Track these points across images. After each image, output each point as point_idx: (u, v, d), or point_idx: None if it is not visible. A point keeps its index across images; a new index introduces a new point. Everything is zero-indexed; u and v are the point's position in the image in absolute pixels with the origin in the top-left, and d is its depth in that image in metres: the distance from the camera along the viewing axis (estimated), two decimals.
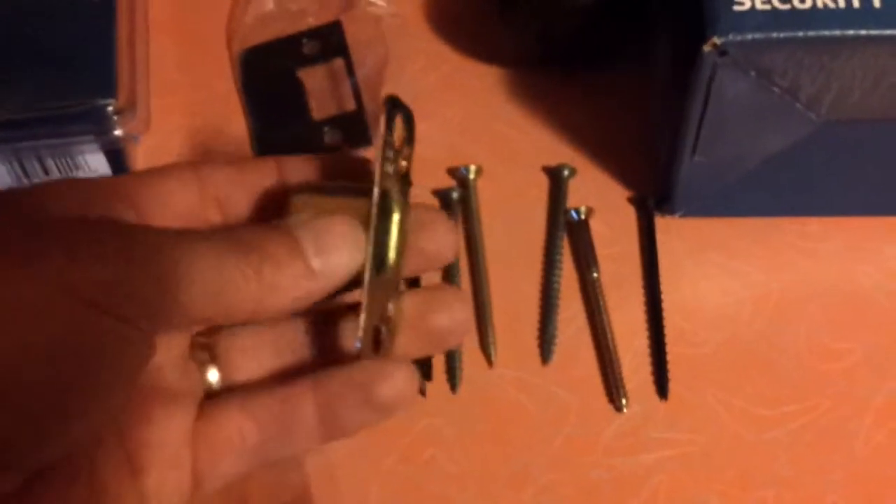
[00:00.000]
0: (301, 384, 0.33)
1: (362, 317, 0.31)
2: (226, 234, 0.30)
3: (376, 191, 0.31)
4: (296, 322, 0.35)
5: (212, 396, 0.33)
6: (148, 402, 0.31)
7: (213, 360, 0.34)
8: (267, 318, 0.32)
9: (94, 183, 0.31)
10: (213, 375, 0.33)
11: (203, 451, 0.32)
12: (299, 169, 0.34)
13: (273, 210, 0.33)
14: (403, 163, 0.33)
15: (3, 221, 0.28)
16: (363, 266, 0.31)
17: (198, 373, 0.33)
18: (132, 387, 0.28)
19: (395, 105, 0.33)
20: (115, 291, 0.26)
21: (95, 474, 0.29)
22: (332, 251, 0.30)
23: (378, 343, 0.32)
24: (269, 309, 0.30)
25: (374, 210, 0.31)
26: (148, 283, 0.27)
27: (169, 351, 0.32)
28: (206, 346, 0.33)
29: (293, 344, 0.34)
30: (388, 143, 0.32)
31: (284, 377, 0.34)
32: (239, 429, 0.32)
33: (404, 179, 0.33)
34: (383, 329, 0.32)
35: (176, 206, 0.32)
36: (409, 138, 0.34)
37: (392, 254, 0.32)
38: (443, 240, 0.34)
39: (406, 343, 0.34)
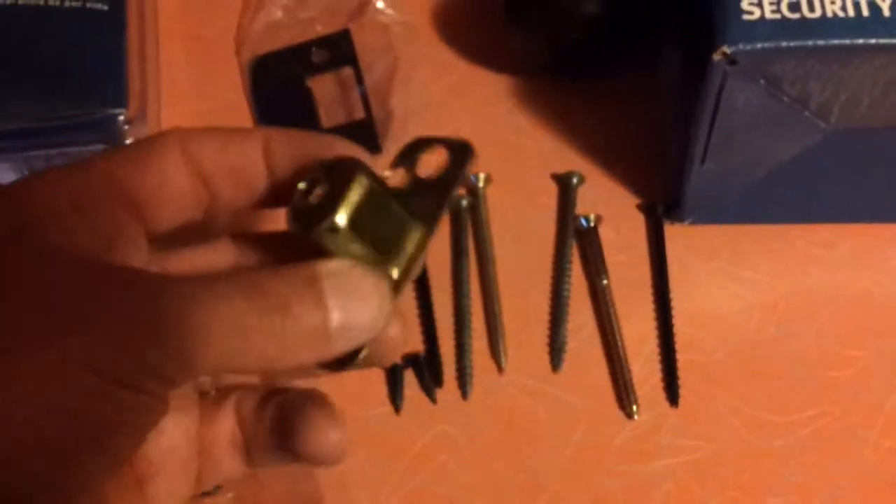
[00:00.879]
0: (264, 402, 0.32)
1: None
2: (244, 286, 0.27)
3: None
4: None
5: (202, 395, 0.33)
6: None
7: None
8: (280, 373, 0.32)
9: (89, 173, 0.29)
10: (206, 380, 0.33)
11: (205, 455, 0.32)
12: (286, 144, 0.31)
13: (260, 186, 0.31)
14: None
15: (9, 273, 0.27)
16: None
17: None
18: (142, 442, 0.28)
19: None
20: (124, 362, 0.26)
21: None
22: (356, 311, 0.28)
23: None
24: (282, 367, 0.28)
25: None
26: (160, 349, 0.26)
27: None
28: None
29: None
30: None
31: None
32: (233, 436, 0.32)
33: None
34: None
35: (171, 194, 0.30)
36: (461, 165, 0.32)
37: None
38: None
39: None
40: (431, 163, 0.31)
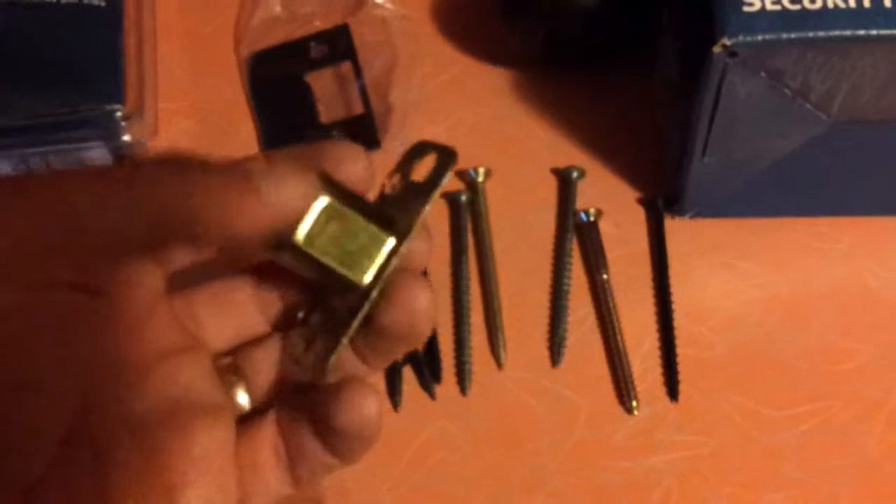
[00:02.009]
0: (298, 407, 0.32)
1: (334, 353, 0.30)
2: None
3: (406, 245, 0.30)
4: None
5: (244, 419, 0.32)
6: (186, 416, 0.30)
7: (239, 378, 0.32)
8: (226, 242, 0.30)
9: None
10: (242, 398, 0.32)
11: (245, 469, 0.31)
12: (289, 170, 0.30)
13: None
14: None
15: None
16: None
17: (229, 394, 0.32)
18: (97, 361, 0.28)
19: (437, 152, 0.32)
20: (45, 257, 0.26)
21: (107, 489, 0.28)
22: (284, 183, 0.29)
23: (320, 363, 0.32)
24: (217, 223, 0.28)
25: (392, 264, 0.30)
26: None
27: (195, 371, 0.31)
28: (230, 368, 0.32)
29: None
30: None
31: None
32: (275, 446, 0.31)
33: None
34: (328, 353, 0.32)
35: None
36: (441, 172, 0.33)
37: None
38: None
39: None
40: (423, 167, 0.32)
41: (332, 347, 0.30)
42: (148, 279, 0.30)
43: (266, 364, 0.32)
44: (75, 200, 0.27)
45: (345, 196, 0.30)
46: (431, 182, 0.31)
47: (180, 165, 0.28)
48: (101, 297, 0.28)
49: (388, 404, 0.47)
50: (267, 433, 0.31)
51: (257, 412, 0.32)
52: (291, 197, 0.29)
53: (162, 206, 0.27)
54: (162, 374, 0.30)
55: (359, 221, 0.30)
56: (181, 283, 0.31)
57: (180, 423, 0.29)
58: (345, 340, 0.30)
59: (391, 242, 0.30)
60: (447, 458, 0.46)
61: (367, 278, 0.30)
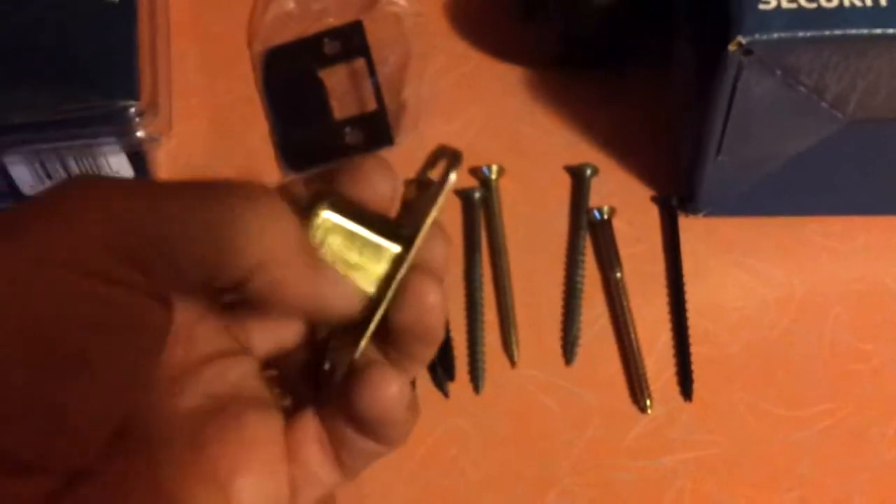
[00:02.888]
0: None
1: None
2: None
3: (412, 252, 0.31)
4: None
5: (288, 415, 0.32)
6: (234, 409, 0.30)
7: (285, 385, 0.33)
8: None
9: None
10: (286, 398, 0.33)
11: (294, 461, 0.31)
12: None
13: None
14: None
15: None
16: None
17: (274, 392, 0.32)
18: (151, 361, 0.28)
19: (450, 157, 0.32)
20: (105, 256, 0.26)
21: (160, 481, 0.28)
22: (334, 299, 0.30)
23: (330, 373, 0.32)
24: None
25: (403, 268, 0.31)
26: (141, 241, 0.26)
27: (241, 373, 0.31)
28: (275, 379, 0.33)
29: None
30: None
31: None
32: (321, 440, 0.31)
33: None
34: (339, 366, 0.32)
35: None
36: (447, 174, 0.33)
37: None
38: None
39: None
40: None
41: (344, 361, 0.31)
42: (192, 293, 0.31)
43: (306, 371, 0.33)
44: (170, 211, 0.27)
45: (349, 210, 0.31)
46: (437, 187, 0.31)
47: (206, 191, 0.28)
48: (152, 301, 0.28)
49: None
50: (310, 427, 0.31)
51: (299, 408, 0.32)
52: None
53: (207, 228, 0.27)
54: (210, 375, 0.31)
55: (361, 233, 0.31)
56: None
57: (230, 417, 0.30)
58: (357, 353, 0.31)
59: (395, 251, 0.31)
60: (460, 455, 0.46)
61: (370, 288, 0.31)
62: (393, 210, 0.32)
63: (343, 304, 0.30)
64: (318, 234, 0.30)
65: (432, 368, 0.47)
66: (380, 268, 0.31)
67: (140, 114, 0.49)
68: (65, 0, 0.50)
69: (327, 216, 0.30)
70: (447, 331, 0.48)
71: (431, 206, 0.31)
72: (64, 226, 0.26)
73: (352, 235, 0.31)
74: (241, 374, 0.31)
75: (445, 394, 0.47)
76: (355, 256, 0.31)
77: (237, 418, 0.30)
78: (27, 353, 0.25)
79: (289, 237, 0.28)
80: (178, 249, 0.27)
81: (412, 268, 0.31)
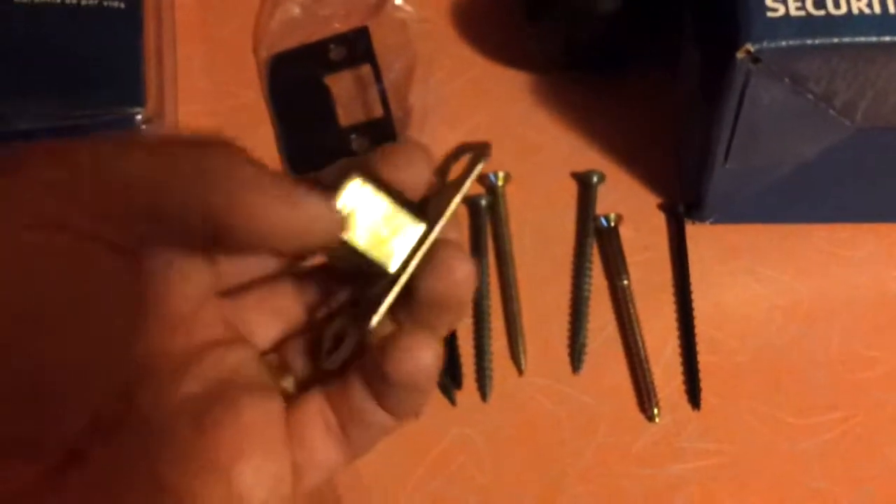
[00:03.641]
0: (354, 369, 0.31)
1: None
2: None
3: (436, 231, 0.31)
4: None
5: (290, 399, 0.32)
6: (235, 393, 0.30)
7: (285, 370, 0.32)
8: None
9: None
10: (288, 383, 0.32)
11: (296, 443, 0.31)
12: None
13: None
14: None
15: None
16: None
17: (275, 377, 0.32)
18: (141, 322, 0.27)
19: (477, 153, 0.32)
20: (82, 209, 0.25)
21: (158, 467, 0.28)
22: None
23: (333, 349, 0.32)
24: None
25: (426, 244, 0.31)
26: (109, 187, 0.26)
27: (241, 359, 0.31)
28: (276, 365, 0.32)
29: None
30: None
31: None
32: (325, 420, 0.31)
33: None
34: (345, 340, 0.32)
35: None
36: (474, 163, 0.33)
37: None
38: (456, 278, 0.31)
39: None
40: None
41: (356, 333, 0.31)
42: (198, 274, 0.30)
43: (309, 355, 0.32)
44: (125, 160, 0.27)
45: (378, 185, 0.31)
46: (464, 174, 0.32)
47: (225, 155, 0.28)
48: (151, 283, 0.28)
49: None
50: (314, 407, 0.31)
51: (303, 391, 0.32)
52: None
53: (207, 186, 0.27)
54: (209, 361, 0.30)
55: (390, 209, 0.31)
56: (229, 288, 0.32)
57: (230, 400, 0.29)
58: (374, 322, 0.30)
59: (420, 229, 0.31)
60: (467, 463, 0.46)
61: (395, 265, 0.31)
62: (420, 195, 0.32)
63: (324, 227, 0.29)
64: (347, 202, 0.30)
65: (439, 376, 0.47)
66: (403, 243, 0.31)
67: (147, 121, 0.48)
68: (71, 7, 0.50)
69: (356, 185, 0.30)
70: (454, 339, 0.48)
71: (458, 190, 0.31)
72: (15, 179, 0.26)
73: (378, 207, 0.31)
74: (240, 360, 0.31)
75: (452, 402, 0.47)
76: (380, 229, 0.31)
77: (235, 403, 0.30)
78: None
79: (259, 171, 0.28)
80: (140, 191, 0.26)
81: (442, 241, 0.31)
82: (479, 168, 0.32)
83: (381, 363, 0.30)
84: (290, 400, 0.32)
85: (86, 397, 0.27)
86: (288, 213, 0.28)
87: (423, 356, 0.30)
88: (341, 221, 0.30)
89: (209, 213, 0.27)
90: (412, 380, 0.30)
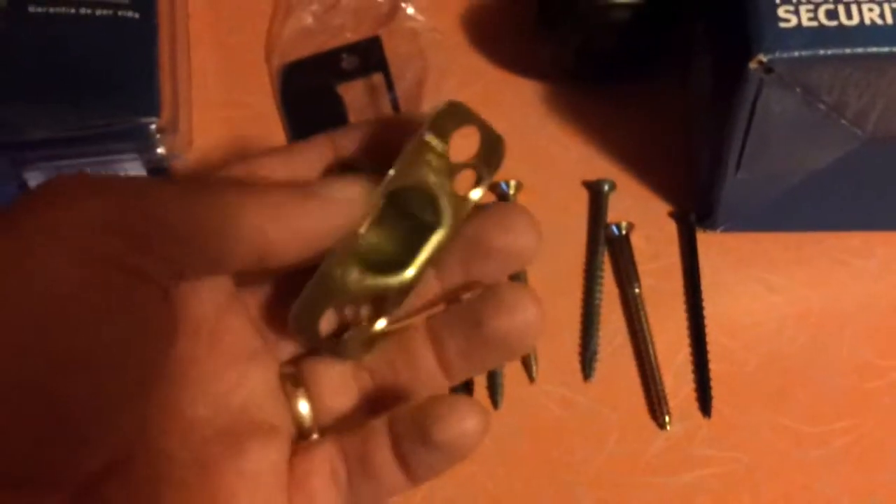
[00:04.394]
0: (378, 422, 0.31)
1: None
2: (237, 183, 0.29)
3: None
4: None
5: (304, 435, 0.32)
6: (242, 433, 0.30)
7: (301, 388, 0.32)
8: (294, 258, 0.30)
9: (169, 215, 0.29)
10: (303, 407, 0.32)
11: (297, 491, 0.30)
12: (351, 141, 0.33)
13: None
14: (480, 187, 0.33)
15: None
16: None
17: (289, 407, 0.32)
18: (166, 361, 0.27)
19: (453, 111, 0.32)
20: (130, 243, 0.25)
21: (161, 501, 0.28)
22: (339, 186, 0.30)
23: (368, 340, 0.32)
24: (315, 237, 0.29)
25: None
26: (160, 231, 0.26)
27: (258, 381, 0.31)
28: (292, 376, 0.32)
29: (372, 370, 0.33)
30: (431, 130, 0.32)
31: (367, 408, 0.32)
32: (333, 469, 0.31)
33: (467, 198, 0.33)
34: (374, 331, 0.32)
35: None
36: (489, 160, 0.33)
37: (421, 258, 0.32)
38: (521, 240, 0.32)
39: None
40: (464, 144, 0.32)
41: (362, 332, 0.31)
42: (215, 288, 0.30)
43: (328, 376, 0.32)
44: (159, 196, 0.27)
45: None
46: (480, 176, 0.32)
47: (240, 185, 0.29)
48: (170, 299, 0.28)
49: None
50: (325, 455, 0.31)
51: (317, 431, 0.32)
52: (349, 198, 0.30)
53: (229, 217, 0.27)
54: (228, 382, 0.30)
55: (402, 221, 0.31)
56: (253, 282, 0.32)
57: (237, 444, 0.29)
58: (380, 327, 0.31)
59: (438, 234, 0.31)
60: (478, 471, 0.46)
61: (411, 272, 0.31)
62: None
63: (344, 216, 0.30)
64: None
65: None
66: (421, 250, 0.31)
67: (161, 130, 0.49)
68: (85, 17, 0.50)
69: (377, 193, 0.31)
70: None
71: (477, 191, 0.32)
72: (59, 212, 0.25)
73: (392, 222, 0.31)
74: (256, 384, 0.31)
75: None
76: (399, 239, 0.31)
77: (241, 448, 0.29)
78: (21, 351, 0.24)
79: (270, 192, 0.29)
80: (179, 228, 0.27)
81: (510, 281, 0.32)
82: (498, 168, 0.31)
83: (426, 422, 0.29)
84: (303, 431, 0.31)
85: (108, 437, 0.27)
86: (311, 220, 0.29)
87: (472, 423, 0.29)
88: (359, 206, 0.30)
89: (245, 244, 0.28)
90: (455, 445, 0.29)
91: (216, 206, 0.27)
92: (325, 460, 0.31)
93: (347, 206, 0.30)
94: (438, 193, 0.31)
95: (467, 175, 0.33)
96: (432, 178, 0.31)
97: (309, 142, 0.32)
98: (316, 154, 0.32)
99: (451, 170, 0.32)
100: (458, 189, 0.33)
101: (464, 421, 0.29)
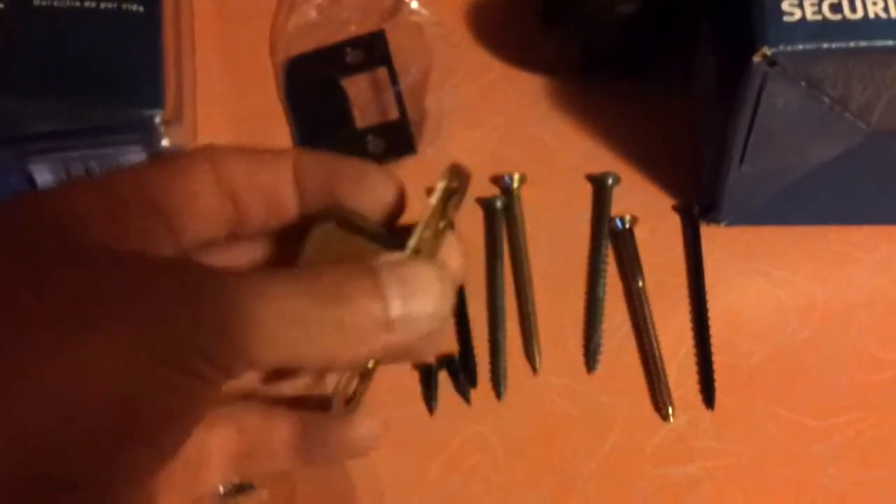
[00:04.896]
0: (283, 409, 0.32)
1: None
2: (304, 277, 0.28)
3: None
4: None
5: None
6: None
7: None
8: (339, 368, 0.30)
9: (121, 183, 0.29)
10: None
11: (188, 459, 0.31)
12: (317, 167, 0.31)
13: (289, 207, 0.31)
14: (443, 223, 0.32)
15: (55, 256, 0.26)
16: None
17: None
18: (189, 433, 0.27)
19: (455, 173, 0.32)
20: (178, 343, 0.25)
21: None
22: (416, 300, 0.28)
23: (350, 398, 0.31)
24: (343, 360, 0.28)
25: None
26: (215, 334, 0.26)
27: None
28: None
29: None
30: (439, 214, 0.30)
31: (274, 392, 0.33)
32: (223, 438, 0.31)
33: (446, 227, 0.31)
34: (356, 384, 0.31)
35: (199, 209, 0.30)
36: (461, 194, 0.32)
37: None
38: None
39: None
40: None
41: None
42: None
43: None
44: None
45: (352, 219, 0.30)
46: (438, 201, 0.30)
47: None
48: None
49: (423, 408, 0.47)
50: (220, 422, 0.31)
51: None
52: None
53: None
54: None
55: (361, 242, 0.30)
56: None
57: None
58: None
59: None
60: (482, 462, 0.46)
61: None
62: (397, 219, 0.31)
63: (359, 349, 0.29)
64: (321, 244, 0.30)
65: (455, 375, 0.47)
66: None
67: (165, 123, 0.49)
68: (90, 10, 0.50)
69: (330, 226, 0.30)
70: (469, 338, 0.48)
71: (436, 218, 0.30)
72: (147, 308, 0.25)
73: (353, 244, 0.30)
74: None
75: (467, 400, 0.47)
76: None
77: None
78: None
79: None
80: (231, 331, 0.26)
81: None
82: (457, 197, 0.31)
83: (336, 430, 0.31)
84: None
85: None
86: (333, 339, 0.28)
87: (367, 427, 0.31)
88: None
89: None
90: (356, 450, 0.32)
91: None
92: (217, 429, 0.31)
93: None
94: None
95: None
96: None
97: (276, 155, 0.31)
98: (282, 169, 0.31)
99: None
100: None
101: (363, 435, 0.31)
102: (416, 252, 0.29)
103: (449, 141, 0.53)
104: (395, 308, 0.28)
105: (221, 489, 0.44)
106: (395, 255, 0.29)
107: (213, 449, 0.31)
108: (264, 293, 0.27)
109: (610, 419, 0.46)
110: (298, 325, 0.27)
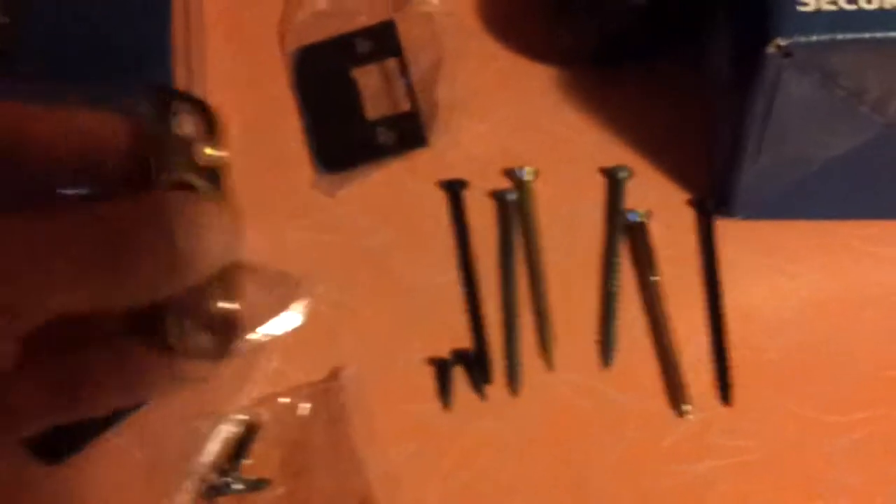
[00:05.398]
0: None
1: None
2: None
3: None
4: None
5: None
6: None
7: None
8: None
9: None
10: None
11: None
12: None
13: None
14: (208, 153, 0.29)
15: None
16: None
17: None
18: None
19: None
20: None
21: None
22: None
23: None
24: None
25: None
26: None
27: None
28: None
29: None
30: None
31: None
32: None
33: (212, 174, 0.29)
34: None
35: None
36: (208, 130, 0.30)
37: None
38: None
39: None
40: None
41: None
42: None
43: None
44: None
45: None
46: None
47: None
48: None
49: (438, 403, 0.47)
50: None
51: None
52: None
53: None
54: None
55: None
56: None
57: None
58: None
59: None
60: (496, 458, 0.46)
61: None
62: None
63: None
64: None
65: (470, 371, 0.47)
66: None
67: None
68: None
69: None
70: (483, 334, 0.48)
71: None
72: None
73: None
74: None
75: (482, 396, 0.47)
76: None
77: None
78: None
79: None
80: None
81: None
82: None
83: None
84: None
85: None
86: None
87: None
88: None
89: None
90: None
91: None
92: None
93: None
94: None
95: None
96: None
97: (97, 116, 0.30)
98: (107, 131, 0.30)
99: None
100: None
101: None
102: None
103: (460, 132, 0.53)
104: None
105: (239, 486, 0.44)
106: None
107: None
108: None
109: (625, 415, 0.46)
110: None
